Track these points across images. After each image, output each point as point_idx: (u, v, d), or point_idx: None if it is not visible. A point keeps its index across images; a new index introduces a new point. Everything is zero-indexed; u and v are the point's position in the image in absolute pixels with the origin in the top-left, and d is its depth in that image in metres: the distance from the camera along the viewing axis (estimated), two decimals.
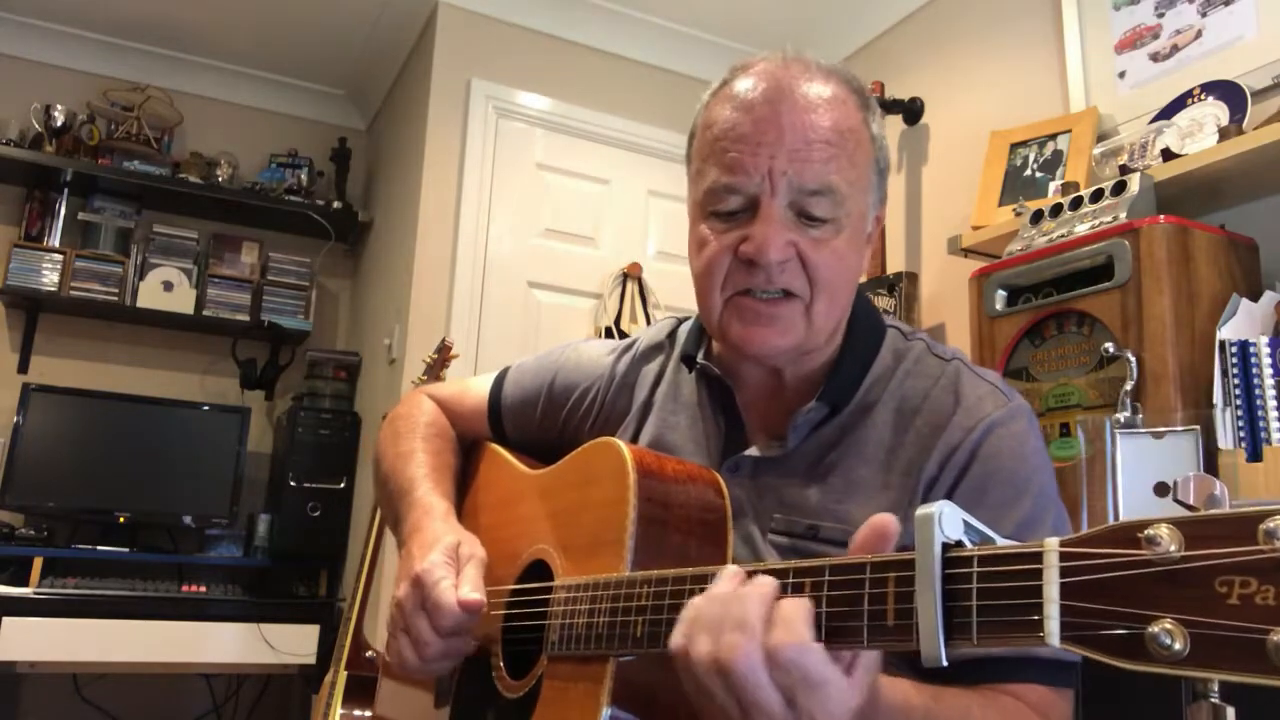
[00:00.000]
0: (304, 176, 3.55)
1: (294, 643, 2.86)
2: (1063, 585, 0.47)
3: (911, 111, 2.75)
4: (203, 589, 2.91)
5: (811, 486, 0.87)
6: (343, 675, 1.98)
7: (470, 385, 1.21)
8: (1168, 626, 0.43)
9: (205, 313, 3.34)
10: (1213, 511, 0.44)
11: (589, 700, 0.77)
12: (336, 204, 3.52)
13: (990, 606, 0.50)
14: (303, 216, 3.44)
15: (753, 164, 0.83)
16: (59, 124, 3.23)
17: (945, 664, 0.51)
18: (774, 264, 0.83)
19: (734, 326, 0.87)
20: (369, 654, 2.02)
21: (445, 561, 0.88)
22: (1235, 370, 1.56)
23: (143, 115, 3.36)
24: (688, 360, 1.00)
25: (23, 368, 3.25)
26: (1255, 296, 1.68)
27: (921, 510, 0.53)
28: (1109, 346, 1.65)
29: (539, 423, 1.12)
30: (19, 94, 3.28)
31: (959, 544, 0.53)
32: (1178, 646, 0.43)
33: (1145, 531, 0.45)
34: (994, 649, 0.73)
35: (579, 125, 3.06)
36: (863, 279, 2.64)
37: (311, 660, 2.86)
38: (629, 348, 1.10)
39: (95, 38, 3.41)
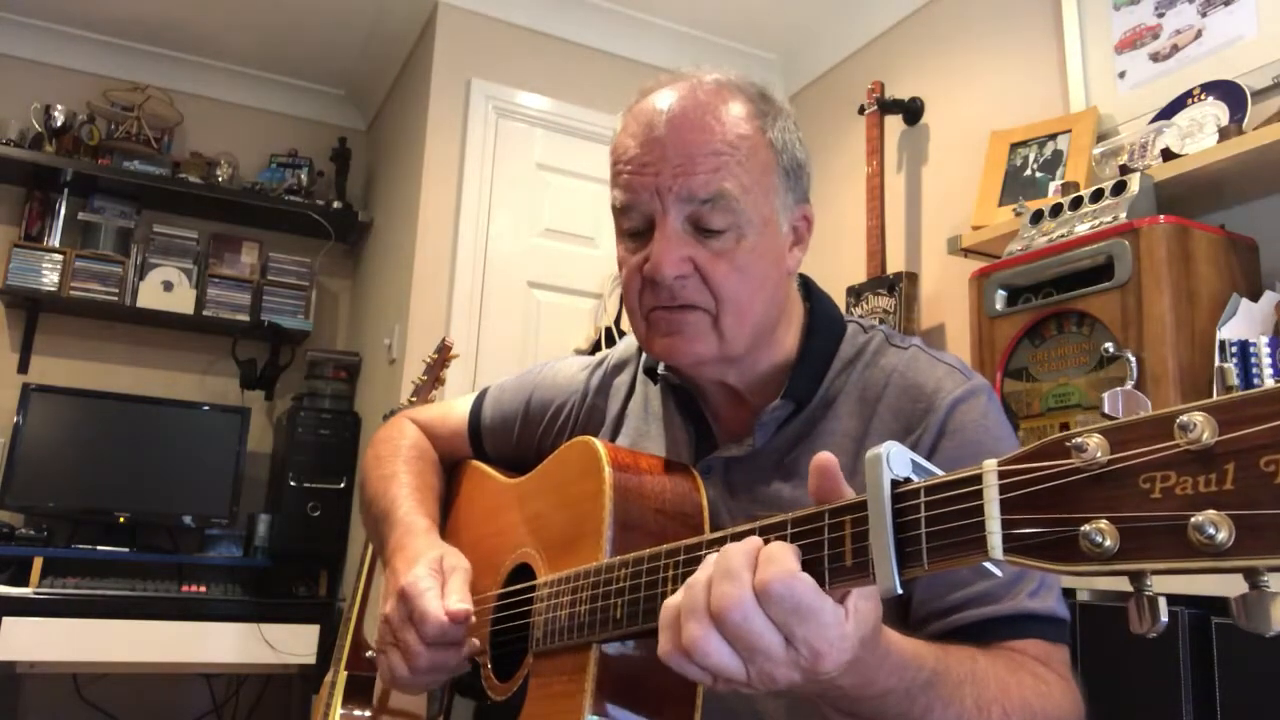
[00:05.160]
0: (304, 176, 3.55)
1: (294, 643, 2.86)
2: (1002, 502, 0.50)
3: (911, 111, 2.75)
4: (203, 589, 2.90)
5: (783, 482, 0.89)
6: (343, 675, 1.98)
7: (451, 407, 1.24)
8: (1099, 526, 0.45)
9: (205, 313, 3.34)
10: (1133, 416, 0.47)
11: (574, 689, 0.77)
12: (336, 204, 3.52)
13: (938, 532, 0.52)
14: (303, 216, 3.44)
15: (641, 183, 0.86)
16: (59, 124, 3.23)
17: (899, 592, 0.53)
18: (671, 280, 0.85)
19: (655, 341, 0.90)
20: (369, 654, 2.01)
21: (430, 573, 0.89)
22: (1235, 370, 1.56)
23: (143, 115, 3.36)
24: (649, 372, 1.04)
25: (23, 368, 3.25)
26: (1255, 296, 1.68)
27: (870, 453, 0.55)
28: (1109, 346, 1.65)
29: (517, 441, 1.15)
30: (19, 94, 3.29)
31: (907, 480, 0.55)
32: (1108, 544, 0.45)
33: (1073, 440, 0.47)
34: (990, 609, 0.77)
35: (579, 125, 3.06)
36: (860, 286, 2.64)
37: (311, 660, 2.86)
38: (601, 363, 1.13)
39: (95, 38, 3.41)
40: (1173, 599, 1.23)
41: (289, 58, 3.56)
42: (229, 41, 3.45)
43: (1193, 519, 0.42)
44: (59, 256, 3.16)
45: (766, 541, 0.60)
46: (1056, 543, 0.47)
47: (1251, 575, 0.42)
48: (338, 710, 1.89)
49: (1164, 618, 0.46)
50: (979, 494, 0.51)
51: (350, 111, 3.85)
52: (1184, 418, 0.43)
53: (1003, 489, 0.50)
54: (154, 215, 3.44)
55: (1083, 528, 0.46)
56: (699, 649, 0.57)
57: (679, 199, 0.85)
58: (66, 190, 3.26)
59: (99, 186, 3.29)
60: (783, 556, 0.57)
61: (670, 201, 0.85)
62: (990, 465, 0.51)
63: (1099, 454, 0.46)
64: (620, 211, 0.90)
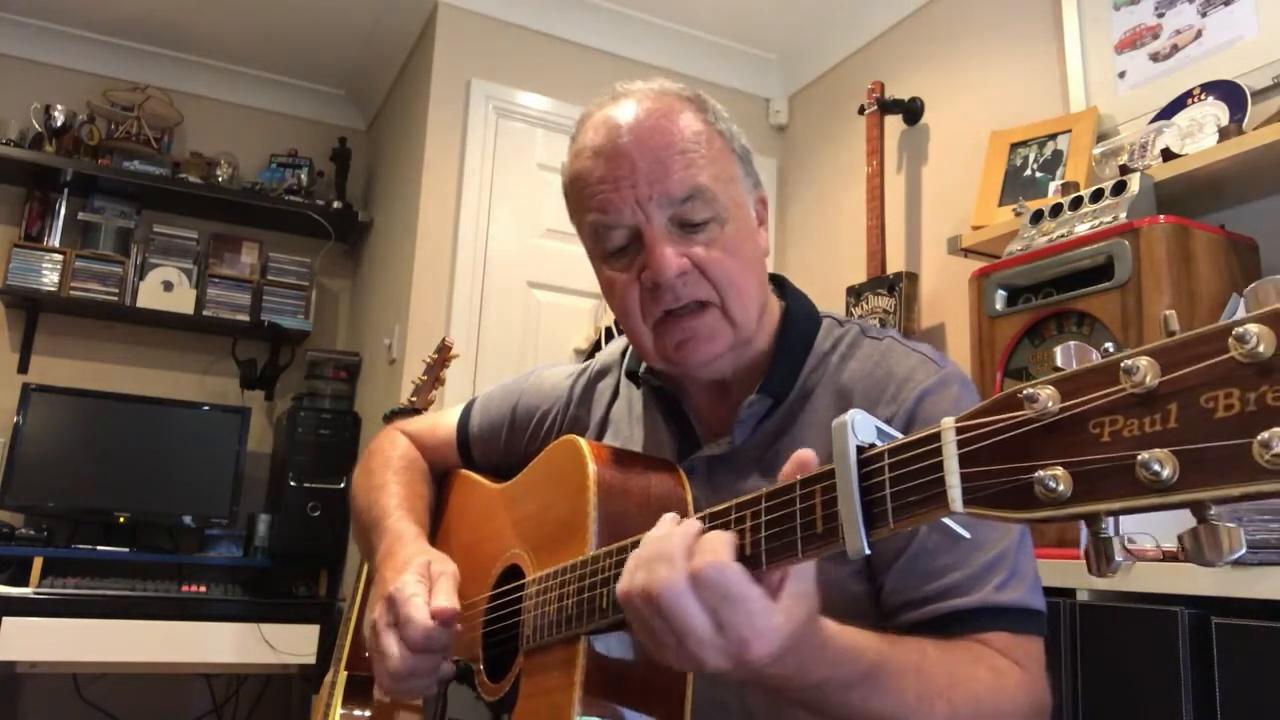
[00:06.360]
0: (304, 176, 3.55)
1: (294, 643, 2.86)
2: (961, 456, 0.51)
3: (911, 111, 2.75)
4: (203, 589, 2.90)
5: (764, 477, 0.90)
6: (343, 675, 1.97)
7: (440, 418, 1.26)
8: (1054, 472, 0.47)
9: (205, 313, 3.34)
10: (1083, 366, 0.48)
11: (564, 684, 0.77)
12: (336, 204, 3.52)
13: (902, 491, 0.54)
14: (303, 216, 3.44)
15: (619, 199, 0.87)
16: (59, 124, 3.23)
17: (868, 552, 0.55)
18: (675, 281, 0.86)
19: (669, 350, 0.91)
20: (369, 654, 2.01)
21: (417, 579, 0.90)
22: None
23: (143, 115, 3.36)
24: (631, 376, 1.05)
25: (23, 368, 3.25)
26: None
27: (837, 420, 0.57)
28: (1109, 346, 1.64)
29: (504, 448, 1.16)
30: (19, 94, 3.28)
31: (872, 446, 0.57)
32: (1062, 489, 0.46)
33: (1025, 392, 0.49)
34: (957, 602, 0.79)
35: None
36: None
37: (311, 660, 2.85)
38: (585, 370, 1.15)
39: (95, 38, 3.41)
40: (1172, 599, 1.23)
41: (289, 58, 3.56)
42: (229, 41, 3.45)
43: (1139, 457, 0.43)
44: (59, 256, 3.16)
45: (725, 526, 0.63)
46: (1013, 491, 0.48)
47: (1199, 509, 0.43)
48: (338, 710, 1.90)
49: (1119, 558, 0.47)
50: (939, 451, 0.52)
51: (350, 111, 3.85)
52: (1128, 362, 0.45)
53: (960, 444, 0.51)
54: (154, 215, 3.44)
55: (1037, 473, 0.47)
56: (639, 599, 0.62)
57: (659, 204, 0.87)
58: (66, 190, 3.25)
59: (99, 186, 3.29)
60: (717, 545, 0.60)
61: (652, 208, 0.87)
62: (948, 423, 0.52)
63: (1050, 404, 0.48)
64: (598, 234, 0.91)
